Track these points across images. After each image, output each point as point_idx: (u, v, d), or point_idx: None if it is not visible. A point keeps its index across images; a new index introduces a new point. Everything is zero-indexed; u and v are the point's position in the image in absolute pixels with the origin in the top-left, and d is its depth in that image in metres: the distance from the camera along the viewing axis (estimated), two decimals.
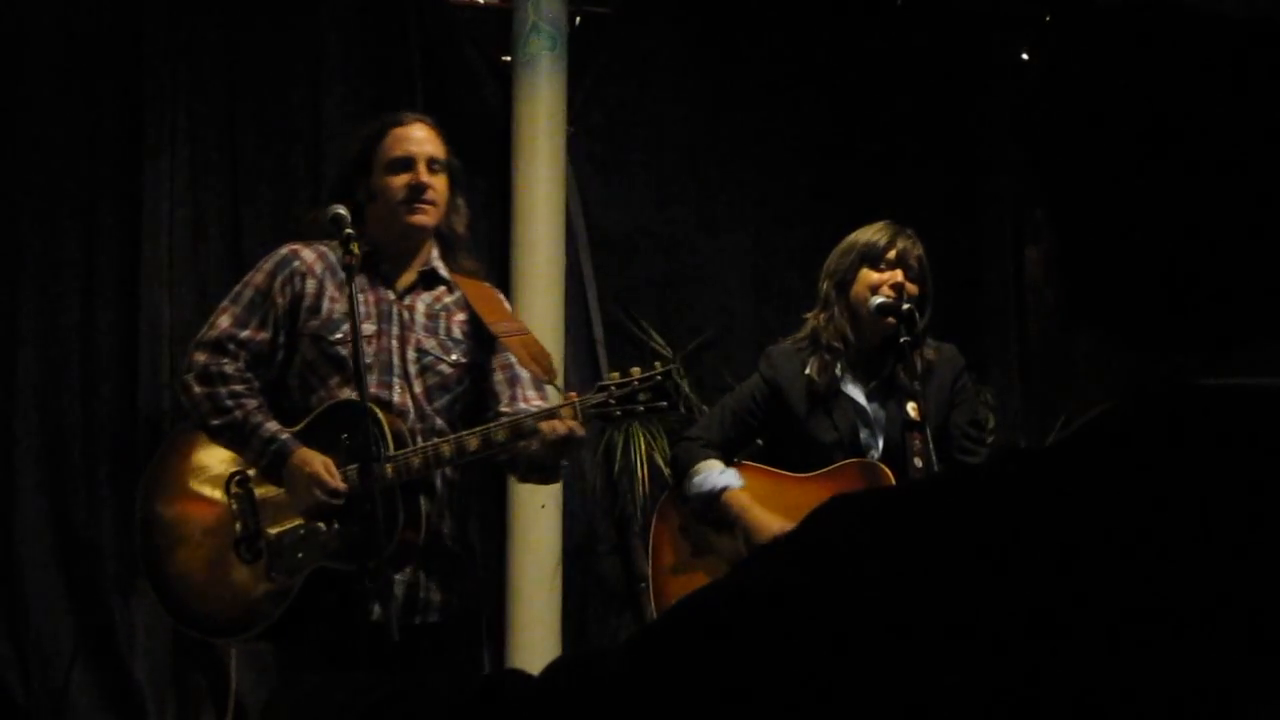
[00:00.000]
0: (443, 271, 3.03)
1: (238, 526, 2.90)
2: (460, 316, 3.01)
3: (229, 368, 2.91)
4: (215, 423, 2.88)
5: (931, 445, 3.08)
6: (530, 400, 2.97)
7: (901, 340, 3.16)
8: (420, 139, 2.96)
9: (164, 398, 4.80)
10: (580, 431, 2.76)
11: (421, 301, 3.00)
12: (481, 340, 3.00)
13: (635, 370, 2.82)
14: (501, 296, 3.11)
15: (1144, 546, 0.79)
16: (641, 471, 4.87)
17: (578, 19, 5.09)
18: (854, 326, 3.30)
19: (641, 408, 2.79)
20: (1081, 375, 0.91)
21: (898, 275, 3.24)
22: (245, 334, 2.93)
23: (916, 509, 0.83)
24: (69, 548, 4.72)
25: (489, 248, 5.04)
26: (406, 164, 2.93)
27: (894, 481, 3.18)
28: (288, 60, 5.00)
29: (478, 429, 2.81)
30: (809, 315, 3.40)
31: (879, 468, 3.23)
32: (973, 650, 0.78)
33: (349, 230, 2.81)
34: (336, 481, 2.79)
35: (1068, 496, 0.81)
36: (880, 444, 3.28)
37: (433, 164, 2.95)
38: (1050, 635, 0.78)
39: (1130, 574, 0.79)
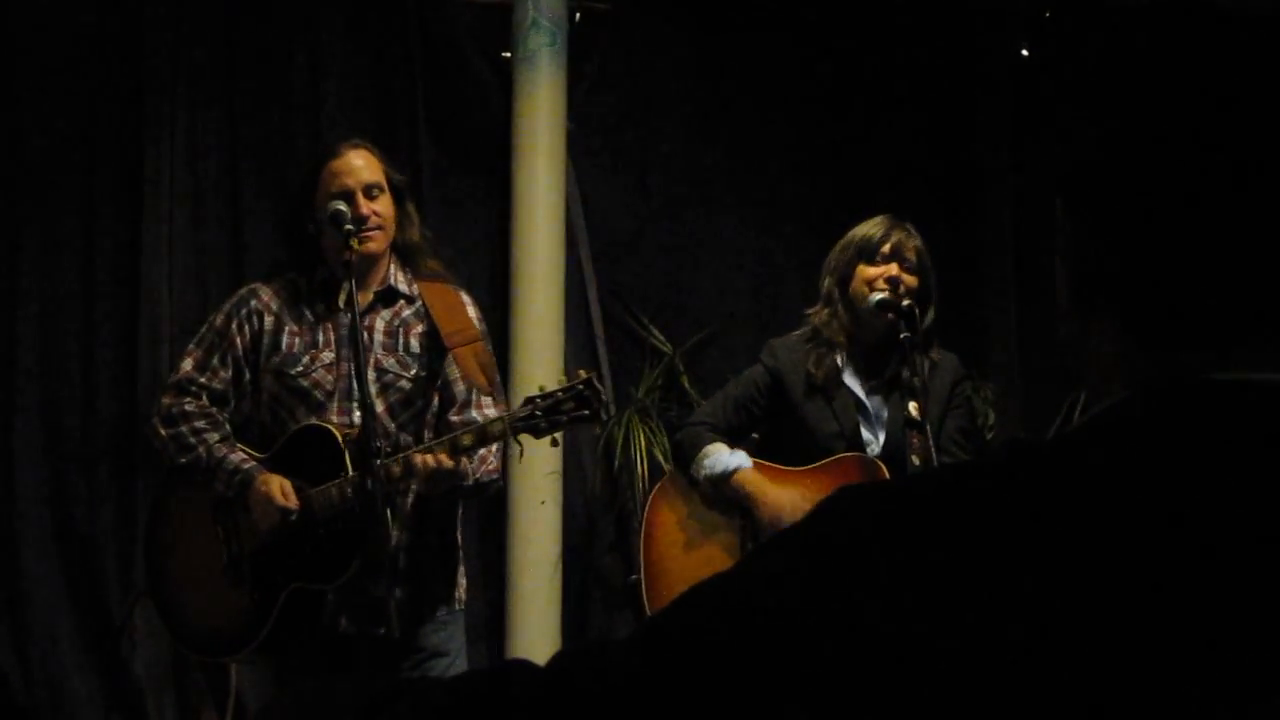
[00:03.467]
0: (401, 286, 3.09)
1: (224, 552, 3.01)
2: (419, 328, 3.07)
3: (190, 406, 3.03)
4: (183, 460, 3.01)
5: (932, 444, 3.08)
6: (484, 409, 3.03)
7: (902, 336, 3.16)
8: (355, 168, 3.02)
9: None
10: (447, 465, 2.81)
11: (381, 320, 3.06)
12: (439, 350, 3.06)
13: (561, 380, 2.90)
14: (464, 298, 3.14)
15: (1155, 542, 0.79)
16: (641, 468, 4.87)
17: (578, 15, 5.08)
18: (855, 323, 3.30)
19: (565, 418, 2.83)
20: (1094, 369, 0.91)
21: (892, 269, 3.24)
22: (204, 377, 3.04)
23: (926, 502, 0.84)
24: (69, 547, 4.71)
25: (489, 245, 5.05)
26: (345, 197, 2.99)
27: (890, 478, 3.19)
28: (287, 54, 5.00)
29: (419, 447, 2.87)
30: (811, 312, 3.39)
31: (875, 463, 3.23)
32: (979, 644, 0.78)
33: (349, 226, 2.92)
34: (288, 501, 2.87)
35: (1077, 491, 0.81)
36: (881, 440, 3.28)
37: (370, 190, 3.01)
38: (1058, 630, 0.77)
39: (1140, 570, 0.78)
